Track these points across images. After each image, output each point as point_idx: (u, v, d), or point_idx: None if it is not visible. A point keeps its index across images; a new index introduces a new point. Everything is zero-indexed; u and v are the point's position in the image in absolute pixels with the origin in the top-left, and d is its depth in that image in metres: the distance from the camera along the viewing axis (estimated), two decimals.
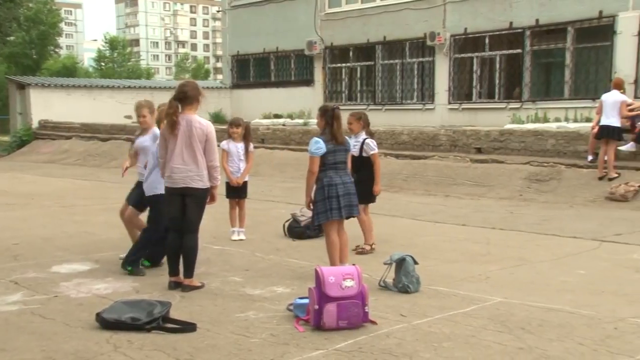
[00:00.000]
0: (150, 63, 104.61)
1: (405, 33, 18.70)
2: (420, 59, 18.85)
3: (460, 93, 18.05)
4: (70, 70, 56.79)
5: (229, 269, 6.45)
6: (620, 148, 11.35)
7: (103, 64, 70.32)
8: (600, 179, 11.02)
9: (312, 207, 6.07)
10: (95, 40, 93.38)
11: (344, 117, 6.39)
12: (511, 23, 16.45)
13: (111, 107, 22.33)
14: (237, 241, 7.82)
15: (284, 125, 19.11)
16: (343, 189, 5.92)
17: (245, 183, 8.08)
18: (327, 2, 20.84)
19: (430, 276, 5.91)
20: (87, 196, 11.90)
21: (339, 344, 4.30)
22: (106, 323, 4.56)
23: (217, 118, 22.01)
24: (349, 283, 4.60)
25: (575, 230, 8.31)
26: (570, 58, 15.69)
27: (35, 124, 22.59)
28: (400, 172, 13.28)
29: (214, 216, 8.05)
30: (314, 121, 19.65)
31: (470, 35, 17.44)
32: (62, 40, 70.17)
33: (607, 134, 11.05)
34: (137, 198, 6.51)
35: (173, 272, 5.72)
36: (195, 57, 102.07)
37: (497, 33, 16.88)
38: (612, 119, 11.00)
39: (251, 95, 23.42)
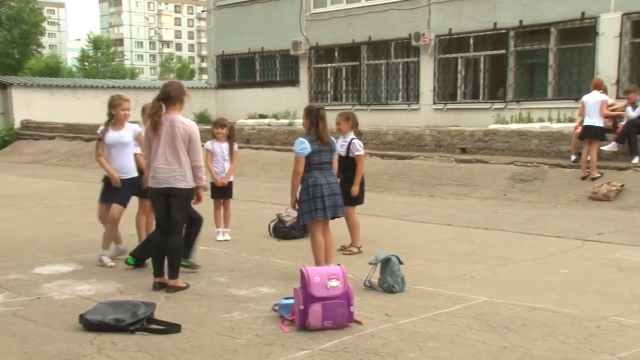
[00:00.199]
0: (134, 63, 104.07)
1: (390, 33, 18.75)
2: (405, 59, 18.91)
3: (445, 93, 18.14)
4: (53, 69, 56.41)
5: (214, 269, 6.42)
6: (602, 148, 11.46)
7: (87, 63, 69.85)
8: (583, 178, 11.12)
9: (297, 207, 6.06)
10: (79, 39, 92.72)
11: (331, 117, 6.39)
12: (495, 24, 16.56)
13: (95, 107, 22.09)
14: (222, 242, 7.80)
15: (269, 125, 19.08)
16: (328, 189, 5.93)
17: (230, 183, 8.06)
18: (313, 2, 20.85)
19: (416, 276, 5.93)
20: (71, 197, 11.80)
21: (324, 344, 4.29)
22: (90, 324, 4.52)
23: (202, 118, 21.93)
24: (334, 283, 4.60)
25: (559, 229, 8.38)
26: (553, 59, 15.82)
27: (17, 124, 22.37)
28: (386, 172, 13.31)
29: None
30: (299, 121, 19.65)
31: (455, 36, 17.52)
32: (45, 40, 69.48)
33: (590, 134, 11.15)
34: (125, 196, 6.54)
35: (158, 272, 5.69)
36: (180, 57, 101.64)
37: (482, 34, 16.98)
38: (594, 119, 11.11)
39: (236, 95, 23.36)
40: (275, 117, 20.09)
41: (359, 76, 20.07)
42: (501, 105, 16.51)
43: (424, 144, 14.43)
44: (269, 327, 4.63)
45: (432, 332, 4.50)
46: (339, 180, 6.40)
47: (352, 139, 7.09)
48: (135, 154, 7.09)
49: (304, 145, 5.86)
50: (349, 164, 7.01)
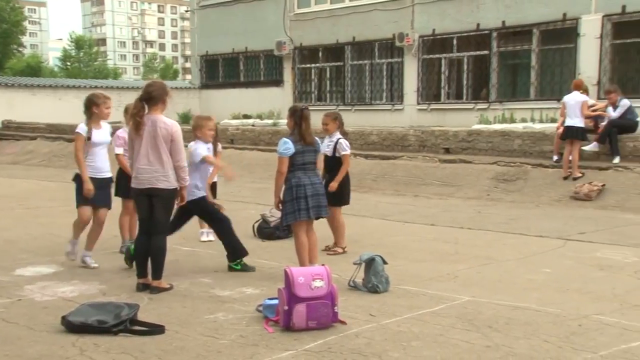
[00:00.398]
0: (117, 63, 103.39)
1: (374, 34, 18.79)
2: (389, 60, 18.96)
3: (429, 94, 18.21)
4: (34, 69, 55.87)
5: (198, 270, 6.40)
6: (584, 148, 11.58)
7: (69, 63, 69.27)
8: (565, 178, 11.22)
9: (280, 207, 6.06)
10: (61, 39, 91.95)
11: (316, 117, 6.40)
12: (478, 24, 16.66)
13: (77, 108, 21.71)
14: (207, 242, 7.77)
15: (253, 125, 19.04)
16: (311, 189, 5.93)
17: (214, 184, 8.02)
18: (296, 2, 20.84)
19: (400, 276, 5.95)
20: (52, 198, 11.69)
21: (309, 344, 4.30)
22: (72, 326, 4.49)
23: (185, 118, 21.81)
24: (318, 283, 4.60)
25: (541, 229, 8.45)
26: (535, 59, 15.95)
27: None
28: (370, 172, 13.34)
29: None
30: (283, 121, 19.63)
31: (439, 37, 17.60)
32: (26, 39, 68.85)
33: (571, 134, 11.26)
34: (110, 197, 6.46)
35: (141, 273, 5.66)
36: (164, 57, 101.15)
37: (465, 34, 17.08)
38: (575, 120, 11.22)
39: (220, 95, 23.29)
40: (260, 117, 20.06)
41: (343, 76, 20.09)
42: (484, 106, 16.62)
43: (408, 144, 14.48)
44: (253, 328, 4.62)
45: (416, 332, 4.51)
46: (324, 180, 6.41)
47: (339, 138, 7.10)
48: (118, 155, 7.06)
49: (287, 146, 5.87)
50: (335, 163, 7.01)
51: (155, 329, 4.53)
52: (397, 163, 13.54)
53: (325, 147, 6.89)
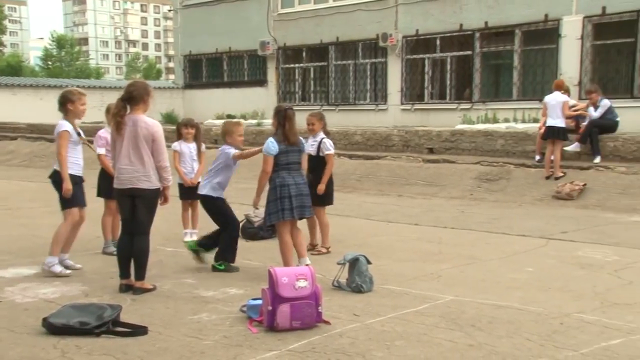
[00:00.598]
0: (100, 62, 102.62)
1: (358, 34, 18.82)
2: (373, 60, 19.00)
3: (413, 94, 18.28)
4: (15, 68, 55.30)
5: (182, 270, 6.37)
6: (566, 148, 11.69)
7: (50, 63, 68.64)
8: (547, 178, 11.32)
9: (257, 207, 6.13)
10: (42, 38, 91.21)
11: (300, 117, 6.42)
12: (461, 25, 16.75)
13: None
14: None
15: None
16: (295, 189, 5.94)
17: (198, 184, 7.99)
18: (280, 2, 20.81)
19: (383, 275, 5.97)
20: (34, 198, 11.57)
21: (293, 344, 4.29)
22: (53, 328, 4.44)
23: (169, 118, 21.70)
24: (302, 283, 4.60)
25: (524, 228, 8.51)
26: (518, 60, 16.06)
27: None
28: (354, 172, 13.36)
29: (166, 218, 7.94)
30: (267, 122, 19.61)
31: (422, 37, 17.67)
32: (6, 38, 68.15)
33: (552, 134, 11.36)
34: (84, 195, 6.39)
35: (124, 274, 5.62)
36: (147, 57, 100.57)
37: (448, 35, 17.16)
38: (557, 120, 11.32)
39: (204, 95, 23.20)
40: (244, 117, 19.99)
41: (327, 76, 20.10)
42: (467, 106, 16.71)
43: (391, 144, 14.53)
44: (237, 328, 4.61)
45: (400, 331, 4.53)
46: (307, 180, 6.41)
47: (323, 138, 7.11)
48: (100, 155, 7.01)
49: (272, 145, 5.88)
50: (319, 163, 7.02)
51: (138, 330, 4.50)
52: (381, 163, 13.58)
53: (309, 146, 6.90)
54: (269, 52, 20.68)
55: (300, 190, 6.00)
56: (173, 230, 8.11)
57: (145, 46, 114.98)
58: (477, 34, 16.58)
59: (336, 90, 19.95)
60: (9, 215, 9.76)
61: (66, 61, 69.49)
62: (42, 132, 20.32)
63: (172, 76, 49.42)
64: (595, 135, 11.63)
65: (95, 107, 20.92)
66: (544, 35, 15.59)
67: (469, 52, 16.91)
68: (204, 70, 23.73)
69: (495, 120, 14.85)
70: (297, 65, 20.88)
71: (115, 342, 4.34)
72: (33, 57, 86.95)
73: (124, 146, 5.47)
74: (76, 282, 5.88)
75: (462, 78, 17.50)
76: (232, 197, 11.41)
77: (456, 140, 13.67)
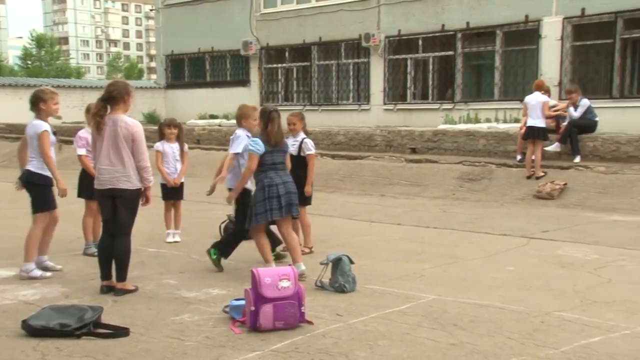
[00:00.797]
0: (80, 62, 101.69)
1: (340, 34, 18.84)
2: (356, 60, 19.03)
3: (395, 94, 18.33)
4: None
5: (164, 271, 6.34)
6: (546, 148, 11.80)
7: (29, 62, 67.87)
8: (528, 177, 11.42)
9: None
10: (21, 37, 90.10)
11: (284, 117, 6.43)
12: (443, 25, 16.82)
13: None
14: (173, 243, 7.71)
15: (220, 125, 18.93)
16: (284, 188, 5.97)
17: (181, 184, 7.98)
18: (263, 2, 20.77)
19: (366, 275, 5.98)
20: (13, 199, 11.38)
21: (276, 344, 4.29)
22: (33, 330, 4.40)
23: (151, 119, 21.58)
24: (285, 284, 4.59)
25: (505, 227, 8.58)
26: (499, 60, 16.16)
27: None
28: (337, 172, 13.37)
29: (149, 218, 7.90)
30: None
31: (404, 37, 17.73)
32: None
33: (532, 134, 11.46)
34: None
35: (105, 276, 5.57)
36: (128, 57, 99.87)
37: (430, 35, 17.23)
38: (537, 120, 11.42)
39: (186, 95, 23.08)
40: (226, 117, 19.94)
41: (309, 77, 20.09)
42: (450, 106, 16.79)
43: (374, 144, 14.56)
44: (220, 329, 4.60)
45: (383, 331, 4.54)
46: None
47: (304, 138, 7.12)
48: (80, 156, 6.95)
49: (257, 144, 5.92)
50: (299, 163, 7.02)
51: (119, 332, 4.47)
52: (363, 163, 13.61)
53: (290, 146, 6.91)
54: (251, 52, 20.62)
55: (289, 189, 6.02)
56: (155, 231, 8.06)
57: (126, 46, 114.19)
58: (459, 35, 16.67)
59: (319, 90, 19.95)
60: None
61: (46, 60, 68.74)
62: (21, 132, 19.95)
63: (154, 76, 49.18)
64: (575, 135, 11.75)
65: (76, 107, 20.90)
66: (524, 35, 15.71)
67: (451, 53, 16.99)
68: (186, 70, 23.61)
69: (477, 121, 14.94)
70: (279, 65, 20.85)
71: (96, 343, 4.31)
72: (12, 57, 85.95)
73: (104, 146, 5.43)
74: (56, 284, 5.82)
75: (444, 78, 17.57)
76: (216, 198, 11.39)
77: (438, 140, 13.74)
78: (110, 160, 5.42)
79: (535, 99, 11.53)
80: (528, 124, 11.53)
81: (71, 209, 8.12)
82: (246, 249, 7.24)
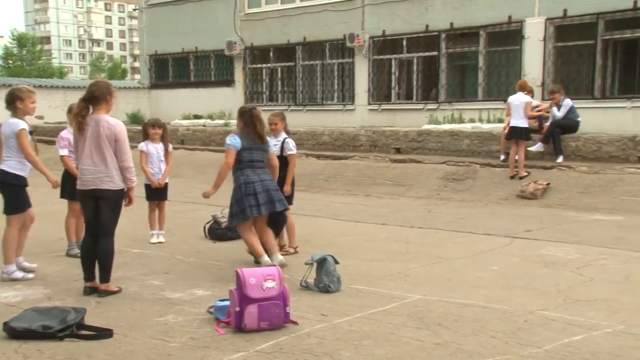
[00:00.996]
0: (63, 62, 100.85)
1: (325, 34, 18.84)
2: (340, 60, 19.04)
3: (380, 94, 18.36)
4: None
5: (148, 272, 6.30)
6: (529, 149, 11.89)
7: (10, 62, 67.21)
8: (512, 177, 11.50)
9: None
10: (2, 36, 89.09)
11: (265, 117, 6.44)
12: (427, 26, 16.88)
13: None
14: (157, 244, 7.67)
15: (204, 126, 18.86)
16: (261, 186, 5.97)
17: (165, 185, 7.94)
18: (247, 2, 20.72)
19: (351, 275, 5.99)
20: None
21: (260, 345, 4.28)
22: (14, 332, 4.35)
23: (134, 119, 21.45)
24: (269, 284, 4.59)
25: (489, 227, 8.63)
26: (483, 61, 16.25)
27: None
28: (322, 172, 13.38)
29: (132, 219, 7.85)
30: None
31: (389, 37, 17.76)
32: None
33: (515, 134, 11.55)
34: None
35: (88, 277, 5.53)
36: (112, 56, 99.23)
37: (414, 35, 17.27)
38: (519, 120, 11.51)
39: (170, 95, 22.96)
40: (211, 117, 19.88)
41: (294, 77, 20.07)
42: (434, 106, 16.85)
43: (359, 144, 14.59)
44: (204, 330, 4.58)
45: (368, 331, 4.55)
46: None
47: (285, 138, 7.12)
48: (63, 156, 6.89)
49: (235, 139, 5.99)
50: (281, 163, 7.02)
51: (102, 333, 4.44)
52: (348, 163, 13.63)
53: (272, 146, 6.93)
54: (236, 52, 20.56)
55: (267, 187, 6.02)
56: (139, 232, 8.02)
57: (109, 45, 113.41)
58: (443, 35, 16.74)
59: (304, 90, 19.94)
60: None
61: (27, 60, 68.15)
62: None
63: (137, 76, 48.87)
64: (557, 135, 11.85)
65: (58, 107, 20.74)
66: (507, 36, 15.80)
67: (435, 53, 17.06)
68: (170, 70, 23.49)
69: (461, 121, 15.01)
70: (264, 65, 20.81)
71: (79, 345, 4.27)
72: None
73: (86, 146, 5.39)
74: (39, 285, 5.77)
75: (428, 78, 17.63)
76: (200, 198, 11.34)
77: (423, 140, 13.79)
78: (92, 160, 5.38)
79: (518, 99, 11.62)
80: (511, 124, 11.62)
81: (54, 209, 8.06)
82: (230, 251, 7.24)
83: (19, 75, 49.45)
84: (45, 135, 18.67)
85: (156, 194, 7.87)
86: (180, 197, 11.05)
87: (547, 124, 12.12)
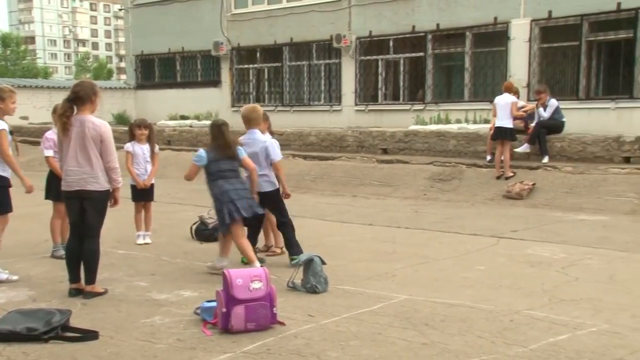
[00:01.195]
0: (47, 62, 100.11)
1: (312, 35, 18.84)
2: (327, 61, 19.05)
3: (367, 95, 18.40)
4: None
5: (134, 273, 6.27)
6: (516, 150, 11.97)
7: None
8: (498, 178, 11.56)
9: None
10: None
11: None
12: (414, 27, 16.94)
13: None
14: (143, 245, 7.63)
15: (191, 126, 18.80)
16: (235, 193, 6.06)
17: (151, 186, 7.91)
18: (233, 2, 20.67)
19: (338, 276, 5.99)
20: None
21: (247, 346, 4.27)
22: None
23: (120, 119, 21.34)
24: (256, 285, 4.58)
25: (476, 227, 8.67)
26: (469, 62, 16.33)
27: None
28: (309, 173, 13.37)
29: (118, 220, 7.80)
30: None
31: (375, 38, 17.80)
32: None
33: (500, 135, 11.61)
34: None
35: (73, 278, 5.49)
36: (97, 57, 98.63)
37: (401, 36, 17.33)
38: (505, 121, 11.58)
39: (157, 96, 22.87)
40: (197, 118, 19.81)
41: (281, 77, 20.06)
42: (420, 107, 16.91)
43: (346, 144, 14.61)
44: (191, 331, 4.56)
45: (354, 331, 4.55)
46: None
47: (270, 139, 7.10)
48: (48, 157, 6.84)
49: (200, 155, 6.14)
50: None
51: (88, 335, 4.41)
52: (335, 164, 13.63)
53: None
54: (222, 53, 20.51)
55: (240, 195, 6.11)
56: (125, 233, 7.97)
57: (95, 45, 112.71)
58: (429, 36, 16.80)
59: (290, 91, 19.93)
60: None
61: (12, 60, 67.61)
62: None
63: (123, 76, 48.50)
64: (543, 135, 11.93)
65: (43, 107, 20.58)
66: (493, 37, 15.89)
67: (421, 54, 17.11)
68: (157, 71, 23.39)
69: (448, 121, 15.07)
70: (251, 66, 20.78)
71: (64, 347, 4.24)
72: None
73: (71, 147, 5.35)
74: (23, 287, 5.72)
75: (415, 79, 17.69)
76: (186, 199, 11.34)
77: (409, 141, 13.83)
78: (77, 161, 5.34)
79: (504, 99, 11.69)
80: (496, 125, 11.69)
81: (39, 210, 8.00)
82: (216, 251, 7.20)
83: (2, 76, 49.06)
84: (30, 136, 18.53)
85: (142, 195, 7.83)
86: (167, 198, 11.01)
87: (533, 124, 12.20)
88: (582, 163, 11.63)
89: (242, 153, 6.28)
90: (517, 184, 11.01)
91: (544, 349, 4.22)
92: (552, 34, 15.05)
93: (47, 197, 6.98)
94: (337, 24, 18.15)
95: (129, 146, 7.79)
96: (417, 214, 9.95)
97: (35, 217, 7.98)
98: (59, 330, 4.39)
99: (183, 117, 20.26)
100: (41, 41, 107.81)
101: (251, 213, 6.09)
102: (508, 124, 11.54)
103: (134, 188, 7.81)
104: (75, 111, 5.37)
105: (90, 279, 5.45)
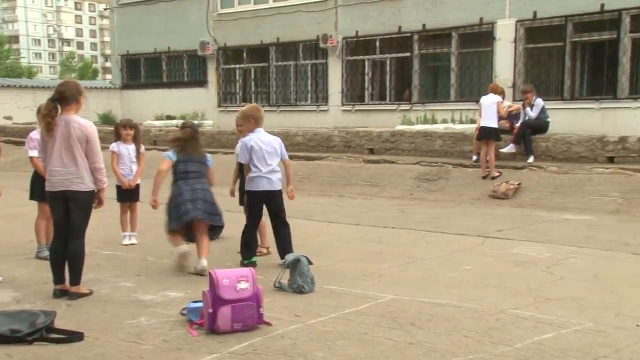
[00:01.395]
0: (32, 61, 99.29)
1: (298, 35, 18.84)
2: (314, 61, 19.06)
3: (353, 95, 18.43)
4: None
5: (120, 274, 6.23)
6: (502, 150, 12.02)
7: None
8: (484, 178, 11.61)
9: (156, 207, 6.39)
10: None
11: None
12: (400, 27, 16.99)
13: None
14: (129, 246, 7.59)
15: (177, 127, 18.67)
16: (191, 194, 6.18)
17: (137, 186, 7.87)
18: (220, 2, 20.62)
19: (325, 276, 5.99)
20: None
21: (234, 347, 4.26)
22: None
23: (106, 120, 21.22)
24: (243, 285, 4.57)
25: (462, 227, 8.70)
26: (455, 62, 16.40)
27: None
28: (295, 173, 13.29)
29: (104, 221, 7.76)
30: (208, 122, 19.42)
31: (362, 39, 17.84)
32: None
33: (486, 135, 11.67)
34: None
35: (58, 280, 5.45)
36: (82, 56, 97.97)
37: (387, 37, 17.37)
38: (490, 121, 11.63)
39: (143, 96, 22.76)
40: (184, 118, 19.66)
41: (268, 77, 20.04)
42: (407, 107, 16.96)
43: (333, 145, 14.62)
44: (177, 332, 4.54)
45: (341, 331, 4.55)
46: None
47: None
48: (32, 158, 6.78)
49: (170, 153, 6.33)
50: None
51: (73, 337, 4.37)
52: (322, 164, 13.64)
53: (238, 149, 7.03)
54: (209, 53, 20.46)
55: (197, 196, 6.20)
56: (111, 234, 7.92)
57: (80, 45, 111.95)
58: (416, 36, 16.86)
59: (277, 91, 19.92)
60: None
61: None
62: None
63: (109, 76, 48.31)
64: (528, 136, 12.00)
65: (27, 107, 20.42)
66: (479, 38, 15.98)
67: (408, 54, 17.17)
68: (143, 71, 23.29)
69: (434, 122, 15.13)
70: (237, 66, 20.75)
71: (49, 349, 4.21)
72: None
73: (55, 148, 5.30)
74: (7, 289, 5.66)
75: (401, 79, 17.74)
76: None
77: (396, 141, 13.86)
78: (62, 162, 5.30)
79: (489, 99, 11.74)
80: (481, 125, 11.75)
81: (24, 211, 7.94)
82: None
83: None
84: (15, 136, 18.37)
85: (128, 196, 7.79)
86: None
87: (518, 124, 12.27)
88: (567, 163, 11.71)
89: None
90: (503, 184, 11.07)
91: (530, 348, 4.24)
92: (537, 34, 15.16)
93: (32, 198, 6.93)
94: (323, 24, 18.16)
95: (114, 146, 7.75)
96: (403, 214, 9.97)
97: (20, 217, 7.92)
98: (44, 332, 4.35)
99: (169, 118, 20.16)
100: (25, 41, 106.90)
101: (208, 219, 6.19)
102: (493, 124, 11.60)
103: (119, 189, 7.76)
104: (60, 111, 5.33)
105: (76, 280, 5.41)
